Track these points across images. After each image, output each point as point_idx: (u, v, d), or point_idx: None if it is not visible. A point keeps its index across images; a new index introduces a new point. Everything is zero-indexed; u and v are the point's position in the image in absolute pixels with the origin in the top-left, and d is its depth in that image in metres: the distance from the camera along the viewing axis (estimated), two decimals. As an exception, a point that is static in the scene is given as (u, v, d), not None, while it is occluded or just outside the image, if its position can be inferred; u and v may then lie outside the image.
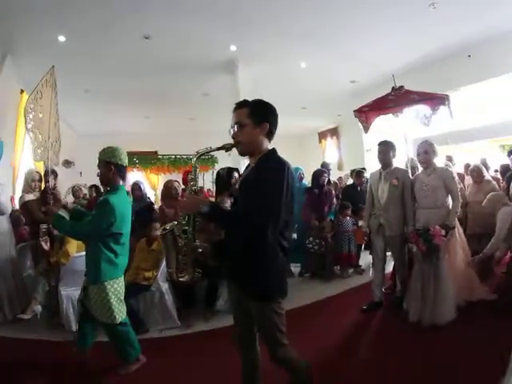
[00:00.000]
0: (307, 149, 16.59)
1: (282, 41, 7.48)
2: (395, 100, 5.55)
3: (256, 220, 2.12)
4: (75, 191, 7.67)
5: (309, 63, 8.66)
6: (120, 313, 3.26)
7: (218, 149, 2.44)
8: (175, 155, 13.61)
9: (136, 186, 5.82)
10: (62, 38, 6.69)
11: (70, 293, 4.22)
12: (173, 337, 4.26)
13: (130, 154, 13.27)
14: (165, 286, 4.51)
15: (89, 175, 9.27)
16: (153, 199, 10.65)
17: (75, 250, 4.56)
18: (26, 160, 7.54)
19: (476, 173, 5.87)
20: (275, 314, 2.29)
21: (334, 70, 8.85)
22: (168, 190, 5.47)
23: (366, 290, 4.93)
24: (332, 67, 8.73)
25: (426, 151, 4.58)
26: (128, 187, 5.89)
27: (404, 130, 5.69)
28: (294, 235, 6.10)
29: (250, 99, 7.19)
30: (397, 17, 6.66)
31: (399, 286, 4.97)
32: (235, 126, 2.38)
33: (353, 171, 7.54)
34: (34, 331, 4.26)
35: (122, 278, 3.36)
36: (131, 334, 3.41)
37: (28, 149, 6.86)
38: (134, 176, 12.55)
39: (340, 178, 9.65)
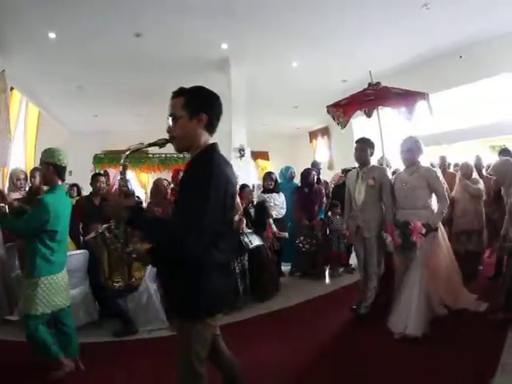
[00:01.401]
0: (298, 148, 16.63)
1: (274, 40, 7.48)
2: (374, 94, 5.44)
3: (174, 230, 1.83)
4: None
5: (301, 63, 8.67)
6: (40, 308, 3.21)
7: (150, 145, 2.16)
8: (165, 154, 13.53)
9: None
10: (52, 35, 6.63)
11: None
12: (162, 337, 4.20)
13: (120, 153, 13.21)
14: (153, 287, 4.48)
15: (79, 174, 9.20)
16: (143, 198, 10.60)
17: (65, 249, 4.50)
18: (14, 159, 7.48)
19: (464, 170, 5.85)
20: (196, 334, 1.97)
21: (326, 70, 8.86)
22: (157, 189, 5.44)
23: (356, 289, 4.84)
24: (324, 67, 8.74)
25: (409, 149, 4.31)
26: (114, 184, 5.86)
27: (380, 127, 5.49)
28: (285, 234, 6.08)
29: (241, 98, 7.17)
30: (389, 17, 6.70)
31: (368, 297, 4.53)
32: (169, 119, 2.07)
33: (344, 170, 7.56)
34: (22, 333, 4.22)
35: (61, 274, 3.36)
36: (41, 334, 3.31)
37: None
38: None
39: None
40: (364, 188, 4.54)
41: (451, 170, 7.00)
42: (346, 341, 4.00)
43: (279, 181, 7.02)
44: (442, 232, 4.49)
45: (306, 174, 6.62)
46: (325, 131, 14.69)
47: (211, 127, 2.11)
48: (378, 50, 7.76)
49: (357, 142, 4.76)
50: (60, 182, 3.39)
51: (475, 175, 5.88)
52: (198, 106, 2.03)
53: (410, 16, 6.67)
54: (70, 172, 11.80)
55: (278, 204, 6.33)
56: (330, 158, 14.42)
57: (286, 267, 6.44)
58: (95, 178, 5.21)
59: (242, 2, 6.09)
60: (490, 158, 7.39)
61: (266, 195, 6.37)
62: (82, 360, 3.47)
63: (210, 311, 2.02)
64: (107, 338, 4.15)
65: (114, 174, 5.82)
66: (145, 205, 5.99)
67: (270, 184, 6.52)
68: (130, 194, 2.06)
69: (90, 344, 3.93)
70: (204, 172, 1.88)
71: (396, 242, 4.12)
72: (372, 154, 4.67)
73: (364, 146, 4.62)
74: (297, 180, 7.47)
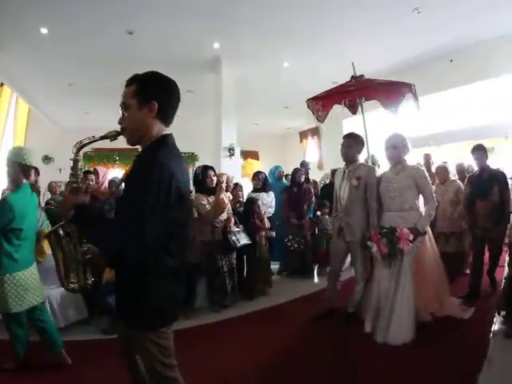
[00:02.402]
0: (288, 148, 16.65)
1: (266, 40, 7.50)
2: (355, 85, 5.16)
3: (115, 234, 1.72)
4: (51, 187, 7.58)
5: (292, 63, 8.70)
6: (17, 304, 3.26)
7: (102, 138, 1.93)
8: (157, 152, 13.52)
9: (112, 183, 5.77)
10: (44, 31, 6.60)
11: (47, 292, 4.07)
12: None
13: (111, 151, 13.14)
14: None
15: (68, 172, 9.18)
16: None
17: (51, 247, 4.47)
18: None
19: (441, 173, 5.86)
20: (153, 345, 1.83)
21: (317, 71, 8.88)
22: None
23: (344, 288, 4.69)
24: (315, 67, 8.77)
25: (394, 146, 4.04)
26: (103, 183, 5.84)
27: (364, 122, 5.18)
28: (273, 233, 6.11)
29: (232, 97, 7.14)
30: (381, 20, 6.75)
31: (355, 298, 4.37)
32: (120, 109, 1.90)
33: (333, 171, 7.60)
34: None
35: (28, 270, 3.39)
36: (21, 332, 3.39)
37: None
38: (114, 173, 12.39)
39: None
40: (348, 188, 4.30)
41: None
42: (333, 341, 3.97)
43: (269, 180, 7.08)
44: (429, 236, 4.30)
45: (294, 174, 6.67)
46: (315, 131, 14.72)
47: (165, 116, 1.93)
48: (368, 51, 7.80)
49: (344, 137, 4.48)
50: (25, 181, 3.41)
51: (452, 176, 5.93)
52: (149, 93, 1.86)
53: (402, 19, 6.73)
54: (60, 170, 11.80)
55: (267, 203, 6.36)
56: (320, 158, 14.42)
57: (274, 266, 6.46)
58: (84, 175, 5.20)
59: (234, 2, 6.10)
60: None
61: (254, 194, 6.40)
62: (72, 358, 3.48)
63: (160, 321, 1.87)
64: (96, 335, 4.14)
65: (103, 172, 5.81)
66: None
67: (258, 183, 6.56)
68: (81, 190, 1.95)
69: (79, 342, 3.94)
70: (145, 168, 1.74)
71: (382, 251, 3.80)
72: (360, 151, 4.43)
73: (350, 142, 4.37)
74: (286, 179, 7.53)
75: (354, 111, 5.40)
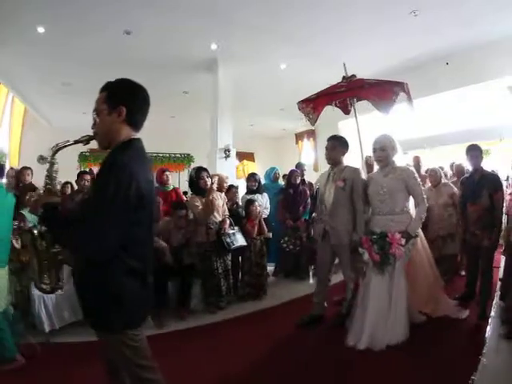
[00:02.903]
0: (284, 149, 16.64)
1: (263, 42, 7.49)
2: (346, 85, 5.08)
3: (79, 232, 1.71)
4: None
5: (289, 65, 8.69)
6: None
7: (76, 142, 2.00)
8: (151, 153, 13.47)
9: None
10: (41, 29, 6.56)
11: (42, 293, 4.08)
12: (147, 337, 4.20)
13: (106, 151, 13.12)
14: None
15: (65, 172, 9.12)
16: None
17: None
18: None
19: (432, 177, 5.80)
20: (125, 347, 1.86)
21: (314, 72, 8.87)
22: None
23: (340, 289, 4.70)
24: (311, 70, 8.76)
25: (382, 147, 3.97)
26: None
27: (357, 123, 5.13)
28: (270, 234, 6.12)
29: (228, 98, 7.13)
30: (378, 22, 6.75)
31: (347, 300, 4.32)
32: (94, 114, 1.97)
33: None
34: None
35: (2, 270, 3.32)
36: (4, 333, 3.36)
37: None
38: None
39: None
40: (333, 190, 4.23)
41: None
42: (326, 343, 3.98)
43: (264, 181, 7.09)
44: (421, 238, 4.30)
45: (290, 175, 6.68)
46: (311, 133, 14.71)
47: (133, 121, 1.98)
48: (365, 54, 7.81)
49: (328, 139, 4.47)
50: None
51: (443, 180, 5.87)
52: (118, 98, 1.92)
53: (398, 22, 6.73)
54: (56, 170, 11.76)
55: (262, 204, 6.35)
56: (316, 160, 14.39)
57: (270, 267, 6.44)
58: (80, 176, 5.20)
59: (231, 3, 6.09)
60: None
61: (249, 196, 6.41)
62: (67, 359, 3.48)
63: (123, 323, 1.87)
64: (92, 337, 4.11)
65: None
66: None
67: (253, 185, 6.57)
68: (54, 192, 1.99)
69: (74, 344, 3.93)
70: (106, 169, 1.79)
71: (374, 258, 3.78)
72: (344, 153, 4.36)
73: (335, 144, 4.34)
74: (282, 181, 7.55)
75: (346, 112, 5.31)
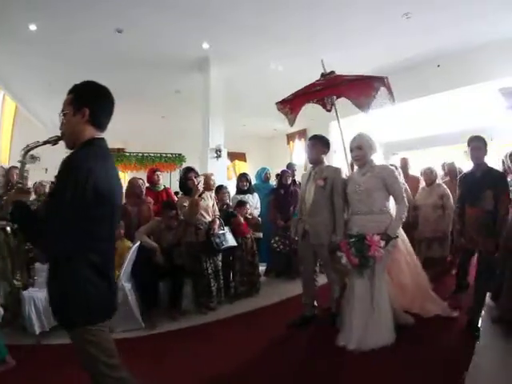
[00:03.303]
0: (275, 150, 16.64)
1: (254, 41, 7.50)
2: (324, 83, 4.92)
3: (41, 229, 1.78)
4: (36, 187, 7.46)
5: (280, 65, 8.70)
6: None
7: (45, 142, 2.07)
8: (142, 153, 13.42)
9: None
10: (33, 27, 6.51)
11: (33, 294, 4.00)
12: (138, 337, 4.21)
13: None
14: (128, 287, 4.43)
15: (55, 172, 9.05)
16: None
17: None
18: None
19: (427, 175, 5.74)
20: (87, 343, 1.87)
21: (305, 73, 8.85)
22: (132, 188, 5.42)
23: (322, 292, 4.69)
24: (303, 70, 8.73)
25: (359, 146, 3.91)
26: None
27: (339, 121, 4.93)
28: (260, 234, 6.12)
29: (220, 98, 7.09)
30: (370, 25, 6.77)
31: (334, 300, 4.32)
32: (61, 115, 2.04)
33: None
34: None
35: None
36: None
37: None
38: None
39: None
40: (314, 189, 4.19)
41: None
42: (320, 341, 4.01)
43: (255, 182, 7.11)
44: (402, 238, 4.25)
45: (281, 175, 6.70)
46: (302, 133, 14.71)
47: (97, 122, 2.04)
48: (356, 55, 7.84)
49: (309, 139, 4.49)
50: None
51: (438, 180, 5.82)
52: (82, 100, 2.00)
53: (390, 24, 6.76)
54: (46, 169, 11.65)
55: (252, 205, 6.37)
56: (307, 160, 14.33)
57: (261, 267, 6.44)
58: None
59: (224, 3, 6.08)
60: (463, 163, 7.59)
61: (239, 196, 6.42)
62: (58, 361, 3.45)
63: (84, 318, 1.88)
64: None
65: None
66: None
67: (244, 185, 6.59)
68: (25, 190, 2.08)
69: (65, 345, 3.88)
70: (64, 167, 1.84)
71: (353, 262, 3.67)
72: (325, 152, 4.34)
73: (315, 144, 4.33)
74: (273, 181, 7.56)
75: (328, 109, 5.11)
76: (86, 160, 1.84)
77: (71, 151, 1.96)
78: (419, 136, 10.10)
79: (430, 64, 8.24)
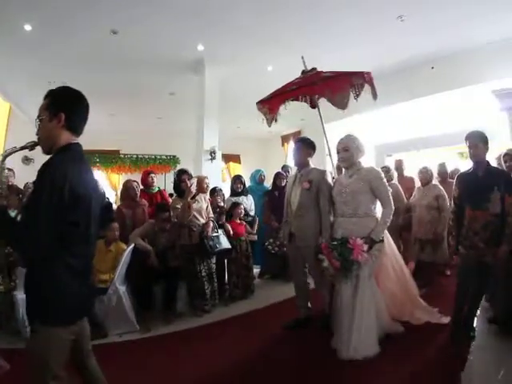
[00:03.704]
0: (270, 152, 16.63)
1: (250, 43, 7.51)
2: (301, 81, 4.87)
3: (16, 233, 1.81)
4: (27, 189, 7.38)
5: (276, 67, 8.70)
6: None
7: (22, 148, 2.11)
8: (137, 155, 13.39)
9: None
10: (28, 27, 6.47)
11: (25, 296, 4.03)
12: (133, 341, 4.21)
13: (91, 153, 12.98)
14: (122, 289, 4.42)
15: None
16: (113, 199, 10.44)
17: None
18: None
19: (423, 175, 5.65)
20: (46, 350, 1.87)
21: (299, 75, 8.91)
22: (126, 190, 5.41)
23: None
24: (298, 72, 8.77)
25: (345, 148, 3.84)
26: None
27: (322, 122, 4.78)
28: (255, 237, 6.12)
29: (215, 100, 7.04)
30: (364, 27, 6.80)
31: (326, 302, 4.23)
32: (37, 121, 2.06)
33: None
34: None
35: None
36: None
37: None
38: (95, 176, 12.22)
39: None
40: (299, 192, 4.18)
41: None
42: (315, 343, 3.97)
43: (249, 184, 7.11)
44: (388, 242, 4.09)
45: (275, 178, 6.70)
46: (297, 135, 14.62)
47: (73, 126, 2.05)
48: (351, 56, 7.85)
49: (294, 142, 4.49)
50: None
51: (435, 181, 5.71)
52: (58, 105, 2.01)
53: (385, 26, 6.80)
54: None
55: (247, 207, 6.37)
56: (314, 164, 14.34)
57: (255, 269, 6.44)
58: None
59: (219, 5, 6.08)
60: (458, 164, 7.62)
61: (233, 198, 6.43)
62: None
63: (59, 318, 1.92)
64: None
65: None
66: (115, 206, 5.93)
67: (238, 187, 6.60)
68: (4, 195, 2.10)
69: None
70: (41, 171, 1.86)
71: (334, 265, 3.56)
72: (311, 155, 4.33)
73: (301, 146, 4.36)
74: (267, 183, 7.56)
75: (312, 106, 4.94)
76: (63, 165, 1.88)
77: (53, 154, 1.98)
78: (413, 137, 10.10)
79: (424, 66, 8.28)
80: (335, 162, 4.57)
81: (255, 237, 6.12)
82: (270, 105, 4.99)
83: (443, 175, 6.26)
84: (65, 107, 2.01)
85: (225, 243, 5.24)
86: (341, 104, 4.38)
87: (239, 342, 4.12)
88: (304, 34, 7.09)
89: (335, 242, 3.64)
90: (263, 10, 6.25)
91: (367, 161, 4.92)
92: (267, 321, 4.75)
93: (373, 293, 3.69)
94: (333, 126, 5.11)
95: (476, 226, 3.62)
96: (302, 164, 4.32)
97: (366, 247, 3.51)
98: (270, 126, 5.14)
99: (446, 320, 4.09)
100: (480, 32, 6.91)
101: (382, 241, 3.76)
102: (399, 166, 6.73)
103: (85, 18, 6.28)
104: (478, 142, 3.69)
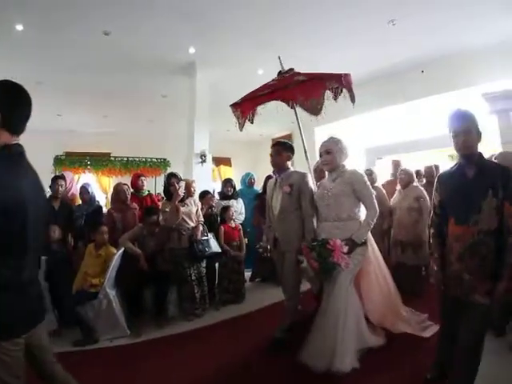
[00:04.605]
0: (261, 155, 16.56)
1: (241, 47, 7.55)
2: (276, 84, 4.61)
3: None
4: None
5: (267, 71, 8.69)
6: None
7: None
8: (128, 157, 13.34)
9: (83, 190, 5.67)
10: (19, 27, 6.43)
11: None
12: (123, 345, 4.18)
13: (82, 155, 12.91)
14: (112, 294, 4.38)
15: (39, 176, 8.89)
16: (104, 202, 10.39)
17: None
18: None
19: (403, 178, 5.52)
20: None
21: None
22: (117, 194, 5.38)
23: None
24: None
25: (328, 150, 3.71)
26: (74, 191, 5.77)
27: (300, 125, 4.60)
28: (245, 240, 6.10)
29: (205, 103, 6.99)
30: (356, 30, 6.86)
31: (285, 320, 4.06)
32: None
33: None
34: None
35: None
36: None
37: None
38: (85, 178, 12.16)
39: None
40: (281, 196, 4.05)
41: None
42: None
43: (240, 187, 7.10)
44: (372, 247, 3.87)
45: (265, 181, 6.68)
46: (287, 138, 14.73)
47: (11, 126, 1.89)
48: (342, 60, 7.87)
49: (272, 145, 4.33)
50: None
51: (415, 183, 5.58)
52: None
53: (376, 30, 6.86)
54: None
55: (237, 210, 6.37)
56: (293, 165, 14.35)
57: (246, 273, 6.42)
58: (54, 180, 5.11)
59: (210, 8, 6.09)
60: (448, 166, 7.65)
61: (223, 202, 6.41)
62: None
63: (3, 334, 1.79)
64: (68, 347, 4.04)
65: (70, 177, 5.69)
66: (105, 210, 5.90)
67: (229, 190, 6.59)
68: None
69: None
70: None
71: (313, 265, 3.39)
72: (289, 158, 4.24)
73: (279, 150, 4.21)
74: (258, 186, 7.56)
75: (291, 107, 4.59)
76: (2, 170, 1.76)
77: None
78: (403, 140, 10.17)
79: (415, 70, 8.36)
80: (312, 165, 4.56)
81: (245, 240, 6.10)
82: (242, 108, 4.78)
83: (431, 177, 6.16)
84: (1, 106, 1.84)
85: (215, 247, 5.21)
86: (313, 110, 4.17)
87: (231, 346, 4.10)
88: (295, 37, 7.12)
89: (315, 243, 3.47)
90: (255, 14, 6.27)
91: (357, 163, 4.90)
92: (259, 324, 4.74)
93: (351, 303, 3.44)
94: (323, 129, 5.09)
95: (460, 247, 2.62)
96: (281, 168, 4.21)
97: (346, 249, 3.33)
98: (241, 131, 4.91)
99: (427, 334, 3.81)
100: (470, 36, 6.98)
101: (365, 244, 3.61)
102: (396, 167, 6.58)
103: (77, 19, 6.26)
104: (471, 127, 2.74)
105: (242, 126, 4.83)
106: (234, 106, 4.82)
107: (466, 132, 2.70)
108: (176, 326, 4.70)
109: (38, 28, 6.56)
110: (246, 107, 4.73)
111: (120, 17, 6.27)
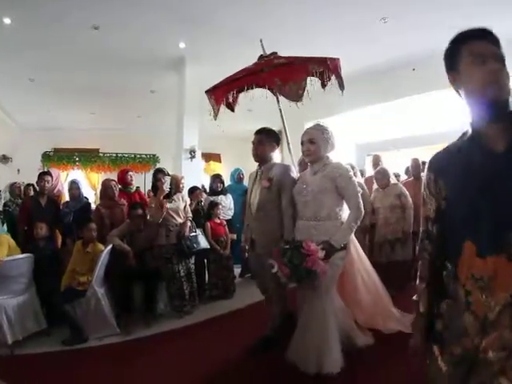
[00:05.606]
0: (251, 150, 16.60)
1: (231, 42, 7.51)
2: (252, 68, 4.30)
3: None
4: (14, 189, 7.14)
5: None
6: None
7: None
8: (116, 153, 13.24)
9: (73, 185, 5.60)
10: (7, 21, 6.36)
11: (3, 301, 3.92)
12: (113, 344, 4.13)
13: (71, 151, 12.80)
14: (100, 291, 4.31)
15: (28, 172, 8.76)
16: (93, 199, 10.31)
17: (6, 253, 4.07)
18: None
19: (381, 175, 5.42)
20: None
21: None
22: (104, 190, 5.32)
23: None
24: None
25: (311, 139, 3.28)
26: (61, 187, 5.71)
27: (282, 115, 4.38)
28: (234, 236, 6.07)
29: (195, 98, 6.93)
30: (347, 27, 6.90)
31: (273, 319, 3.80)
32: None
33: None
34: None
35: None
36: None
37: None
38: (74, 175, 12.05)
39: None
40: (259, 191, 3.62)
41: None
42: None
43: (229, 183, 7.09)
44: (355, 247, 3.62)
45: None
46: (279, 133, 14.73)
47: None
48: (333, 56, 7.91)
49: (255, 133, 3.90)
50: None
51: (392, 180, 5.48)
52: None
53: (367, 28, 6.89)
54: (18, 170, 11.37)
55: (226, 206, 6.35)
56: (283, 161, 14.36)
57: (236, 269, 6.40)
58: (41, 177, 5.05)
59: (201, 2, 6.08)
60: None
61: (212, 197, 6.37)
62: (32, 372, 3.36)
63: None
64: (57, 347, 3.99)
65: (56, 174, 5.62)
66: (94, 206, 5.84)
67: (218, 186, 6.55)
68: None
69: (39, 355, 3.79)
70: None
71: (284, 271, 2.97)
72: (273, 149, 3.79)
73: (262, 139, 3.79)
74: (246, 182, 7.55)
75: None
76: None
77: None
78: (394, 137, 10.21)
79: (406, 67, 8.36)
80: (295, 159, 4.30)
81: (234, 236, 6.07)
82: (215, 95, 4.42)
83: (417, 172, 5.98)
84: None
85: (203, 243, 5.19)
86: (293, 95, 3.88)
87: (221, 343, 4.06)
88: (286, 33, 7.09)
89: (286, 246, 3.04)
90: (245, 10, 6.26)
91: (347, 159, 4.83)
92: (249, 320, 4.71)
93: (331, 310, 3.16)
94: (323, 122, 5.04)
95: (487, 303, 1.24)
96: (263, 159, 3.76)
97: (322, 254, 2.93)
98: (215, 120, 4.55)
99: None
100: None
101: (345, 248, 3.22)
102: (376, 163, 6.38)
103: (66, 12, 6.20)
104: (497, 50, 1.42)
105: (216, 115, 4.50)
106: (208, 92, 4.50)
107: (493, 54, 1.40)
108: (165, 324, 4.66)
109: (26, 22, 6.49)
110: (219, 93, 4.40)
111: (109, 10, 6.23)
